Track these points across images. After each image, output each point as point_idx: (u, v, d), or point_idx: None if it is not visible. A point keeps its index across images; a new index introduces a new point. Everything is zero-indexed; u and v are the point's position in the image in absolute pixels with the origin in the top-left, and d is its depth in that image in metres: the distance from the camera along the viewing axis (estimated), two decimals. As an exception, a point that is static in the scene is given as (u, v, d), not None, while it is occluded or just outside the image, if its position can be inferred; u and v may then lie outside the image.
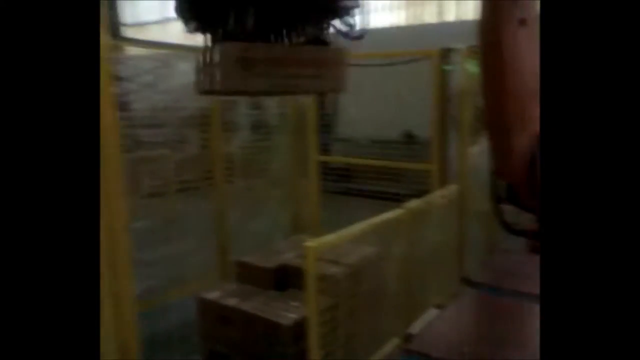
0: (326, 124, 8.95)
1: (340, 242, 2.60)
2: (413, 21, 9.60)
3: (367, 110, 8.70)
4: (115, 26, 9.80)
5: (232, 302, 3.25)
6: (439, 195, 3.56)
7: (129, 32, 10.60)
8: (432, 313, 1.89)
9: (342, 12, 1.92)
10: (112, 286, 1.75)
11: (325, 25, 1.94)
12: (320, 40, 1.90)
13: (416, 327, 1.77)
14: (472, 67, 3.87)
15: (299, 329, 2.91)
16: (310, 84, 1.84)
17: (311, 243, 2.45)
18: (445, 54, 4.22)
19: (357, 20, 1.90)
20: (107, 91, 1.67)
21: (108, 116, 1.67)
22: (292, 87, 1.80)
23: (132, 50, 4.17)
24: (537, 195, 1.89)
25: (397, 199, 3.64)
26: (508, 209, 2.16)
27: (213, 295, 3.33)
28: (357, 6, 1.93)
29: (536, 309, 1.94)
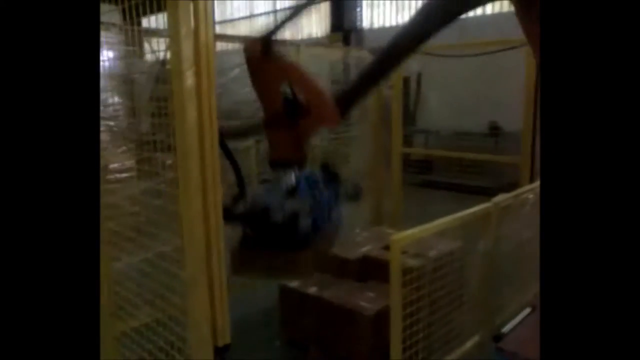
0: (409, 116, 8.84)
1: (425, 235, 2.57)
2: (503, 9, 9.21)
3: (450, 101, 8.48)
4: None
5: (312, 290, 3.32)
6: (529, 190, 3.41)
7: (218, 29, 11.01)
8: (525, 312, 1.83)
9: None
10: (207, 272, 1.84)
11: None
12: None
13: (508, 326, 1.72)
14: None
15: (379, 321, 2.91)
16: None
17: (397, 236, 2.44)
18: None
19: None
20: (209, 85, 1.75)
21: (206, 112, 1.75)
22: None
23: (220, 46, 4.31)
24: None
25: (481, 193, 3.54)
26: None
27: (294, 283, 3.41)
28: None
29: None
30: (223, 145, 2.56)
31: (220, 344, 1.94)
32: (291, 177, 2.55)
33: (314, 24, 11.63)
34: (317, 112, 2.55)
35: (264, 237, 2.65)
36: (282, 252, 2.60)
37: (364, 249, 3.59)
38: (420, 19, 2.58)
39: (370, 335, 3.00)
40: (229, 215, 2.66)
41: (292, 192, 2.66)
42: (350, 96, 2.68)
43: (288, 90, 2.64)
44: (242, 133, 3.18)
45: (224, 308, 1.92)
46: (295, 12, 2.74)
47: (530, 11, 2.05)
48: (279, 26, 2.80)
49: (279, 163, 2.58)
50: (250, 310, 3.88)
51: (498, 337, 1.62)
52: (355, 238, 3.93)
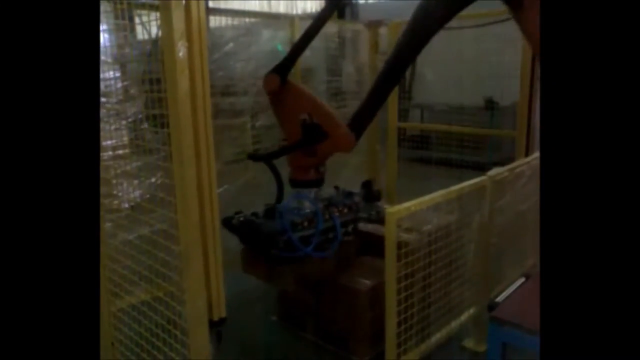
0: (405, 91, 8.79)
1: (420, 209, 2.57)
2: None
3: (446, 76, 8.41)
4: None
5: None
6: (524, 163, 3.41)
7: (211, 3, 10.84)
8: (519, 282, 1.84)
9: None
10: (203, 246, 1.84)
11: None
12: None
13: (502, 296, 1.73)
14: None
15: (375, 296, 2.94)
16: None
17: (392, 209, 2.44)
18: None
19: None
20: (201, 65, 1.73)
21: (199, 85, 1.73)
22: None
23: (214, 21, 4.24)
24: None
25: (478, 168, 3.54)
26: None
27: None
28: None
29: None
30: (271, 166, 3.00)
31: (216, 317, 1.96)
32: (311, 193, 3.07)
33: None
34: (333, 137, 2.85)
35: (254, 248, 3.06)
36: (271, 263, 2.97)
37: (359, 224, 3.59)
38: (417, 27, 2.67)
39: (366, 310, 3.03)
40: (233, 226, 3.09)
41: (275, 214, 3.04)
42: (362, 119, 2.91)
43: (307, 118, 2.94)
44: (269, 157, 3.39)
45: (219, 282, 1.94)
46: (305, 40, 2.98)
47: (520, 12, 2.08)
48: (292, 57, 3.04)
49: (299, 183, 3.08)
50: (247, 287, 3.90)
51: (492, 306, 1.64)
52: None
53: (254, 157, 3.26)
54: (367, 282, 3.07)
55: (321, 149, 2.92)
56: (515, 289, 1.79)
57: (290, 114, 3.00)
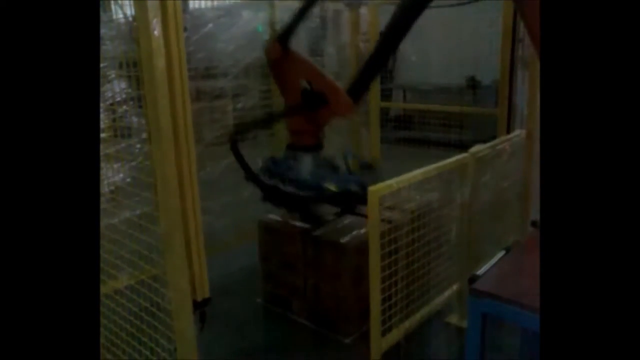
0: (387, 71, 8.77)
1: (402, 186, 2.59)
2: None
3: (428, 56, 8.41)
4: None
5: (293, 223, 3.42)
6: (505, 140, 3.44)
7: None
8: (499, 256, 1.87)
9: None
10: (184, 228, 1.84)
11: None
12: None
13: (482, 269, 1.76)
14: None
15: (361, 252, 2.90)
16: None
17: (374, 187, 2.45)
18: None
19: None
20: (178, 44, 1.70)
21: (176, 66, 1.71)
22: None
23: (193, 4, 4.18)
24: None
25: (461, 147, 3.56)
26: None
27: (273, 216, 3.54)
28: None
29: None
30: (235, 150, 3.00)
31: (200, 298, 1.96)
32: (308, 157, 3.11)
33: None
34: (332, 103, 2.88)
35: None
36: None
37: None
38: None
39: (352, 264, 3.06)
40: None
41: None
42: (360, 86, 2.96)
43: (307, 85, 2.98)
44: (259, 125, 3.67)
45: (202, 262, 1.94)
46: (306, 7, 3.03)
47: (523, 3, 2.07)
48: (292, 25, 3.08)
49: (298, 147, 3.13)
50: (232, 270, 3.91)
51: (472, 279, 1.66)
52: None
53: (237, 131, 3.30)
54: (352, 240, 3.11)
55: (321, 114, 3.00)
56: (495, 262, 1.81)
57: (291, 81, 3.09)
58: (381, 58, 3.00)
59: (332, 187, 3.04)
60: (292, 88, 3.08)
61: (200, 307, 1.96)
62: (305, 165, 3.12)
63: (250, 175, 3.11)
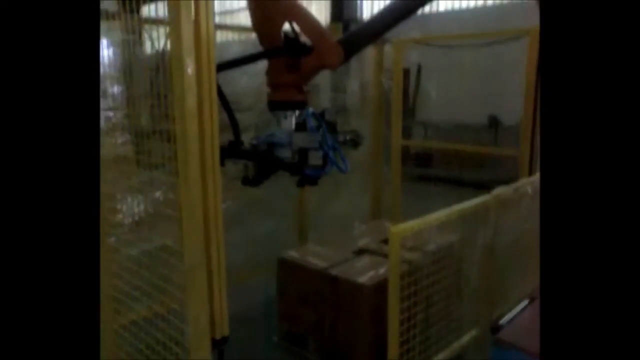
0: (408, 108, 8.82)
1: (424, 227, 2.56)
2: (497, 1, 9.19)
3: (450, 93, 8.46)
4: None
5: (312, 262, 3.35)
6: (528, 183, 3.40)
7: (217, 19, 11.01)
8: (523, 304, 1.83)
9: None
10: (207, 263, 1.83)
11: None
12: None
13: (506, 318, 1.72)
14: None
15: (379, 293, 2.86)
16: None
17: (395, 228, 2.43)
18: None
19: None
20: (209, 80, 1.74)
21: (206, 101, 1.74)
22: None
23: (220, 37, 4.28)
24: None
25: (481, 187, 3.53)
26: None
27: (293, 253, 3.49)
28: None
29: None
30: (221, 96, 2.52)
31: (219, 336, 1.94)
32: (292, 118, 2.61)
33: (314, 13, 11.60)
34: (319, 50, 2.50)
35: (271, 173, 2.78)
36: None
37: (362, 243, 3.59)
38: None
39: (369, 307, 2.99)
40: (234, 152, 2.61)
41: (300, 127, 2.59)
42: (356, 39, 2.63)
43: (289, 29, 2.57)
44: (237, 64, 2.98)
45: (223, 299, 1.92)
46: None
47: None
48: None
49: (279, 104, 2.65)
50: (249, 304, 3.87)
51: (496, 329, 1.62)
52: (354, 231, 3.93)
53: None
54: (371, 280, 3.05)
55: (305, 63, 2.59)
56: (519, 311, 1.77)
57: (272, 23, 2.64)
58: (388, 19, 2.69)
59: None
60: (273, 32, 2.64)
61: (218, 346, 1.93)
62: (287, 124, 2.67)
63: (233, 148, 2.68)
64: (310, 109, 2.74)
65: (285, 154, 2.57)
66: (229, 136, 2.78)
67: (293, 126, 2.61)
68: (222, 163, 2.12)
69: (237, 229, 3.84)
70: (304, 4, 2.72)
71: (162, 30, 2.54)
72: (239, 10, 11.96)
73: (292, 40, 2.53)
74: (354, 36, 2.65)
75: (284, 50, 2.53)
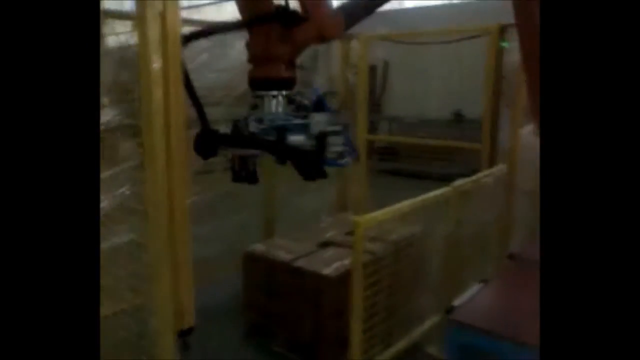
0: (374, 103, 8.93)
1: (386, 218, 2.65)
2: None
3: (416, 89, 8.60)
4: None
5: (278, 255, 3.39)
6: (487, 175, 3.54)
7: (184, 14, 10.82)
8: (476, 287, 1.93)
9: None
10: (172, 257, 1.86)
11: None
12: None
13: (459, 300, 1.82)
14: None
15: (343, 284, 2.92)
16: None
17: (359, 218, 2.51)
18: (501, 31, 4.11)
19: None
20: (176, 75, 1.76)
21: (173, 97, 1.76)
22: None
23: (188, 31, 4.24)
24: None
25: (446, 180, 3.64)
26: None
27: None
28: None
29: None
30: (188, 84, 2.01)
31: (185, 326, 1.96)
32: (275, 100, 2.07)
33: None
34: (315, 18, 2.09)
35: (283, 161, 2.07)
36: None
37: (328, 235, 3.66)
38: None
39: (334, 301, 3.04)
40: (233, 140, 2.08)
41: (319, 107, 2.12)
42: (356, 9, 2.17)
43: None
44: (216, 31, 2.64)
45: (189, 291, 1.95)
46: None
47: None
48: None
49: (264, 82, 2.08)
50: (216, 299, 3.88)
51: (449, 310, 1.71)
52: (320, 224, 4.00)
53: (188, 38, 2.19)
54: (335, 271, 3.09)
55: (300, 32, 2.14)
56: (473, 293, 1.87)
57: None
58: None
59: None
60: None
61: (183, 336, 1.96)
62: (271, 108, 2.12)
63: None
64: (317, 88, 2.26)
65: (297, 140, 2.07)
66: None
67: (279, 109, 2.11)
68: (214, 153, 1.92)
69: (206, 223, 3.85)
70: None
71: (124, 25, 2.54)
72: (205, 5, 11.83)
73: (283, 8, 2.07)
74: (354, 5, 2.30)
75: (275, 17, 2.07)
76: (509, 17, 2.89)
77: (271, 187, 4.46)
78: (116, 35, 3.47)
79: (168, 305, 1.85)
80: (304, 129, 2.03)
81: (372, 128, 7.70)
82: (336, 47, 5.26)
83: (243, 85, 4.13)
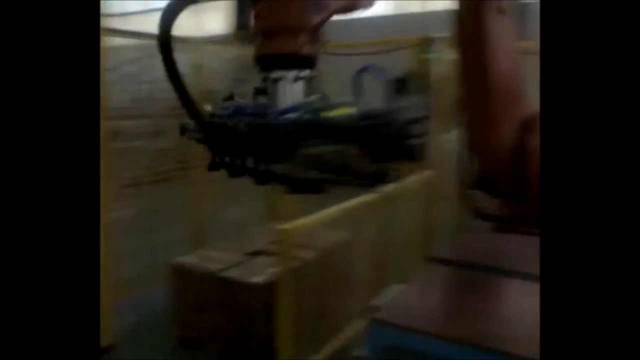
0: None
1: (313, 225, 2.71)
2: (399, 11, 9.61)
3: (344, 97, 8.75)
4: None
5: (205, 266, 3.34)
6: (411, 180, 3.68)
7: (112, 22, 10.52)
8: (396, 288, 2.02)
9: None
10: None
11: None
12: None
13: (380, 300, 1.90)
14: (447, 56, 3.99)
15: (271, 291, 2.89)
16: None
17: (285, 226, 2.56)
18: (427, 43, 4.29)
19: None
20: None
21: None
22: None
23: (115, 41, 4.13)
24: (522, 183, 1.91)
25: (373, 185, 3.75)
26: (477, 194, 2.29)
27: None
28: None
29: (499, 281, 2.07)
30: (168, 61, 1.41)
31: (103, 344, 1.91)
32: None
33: (217, 21, 11.42)
34: None
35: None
36: None
37: (257, 245, 3.65)
38: None
39: (263, 309, 3.04)
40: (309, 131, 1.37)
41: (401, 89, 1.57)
42: None
43: None
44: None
45: (107, 307, 1.91)
46: None
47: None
48: None
49: (280, 60, 1.52)
50: (144, 315, 3.77)
51: (372, 310, 1.78)
52: (250, 234, 4.00)
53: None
54: (263, 278, 3.10)
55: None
56: (395, 293, 1.95)
57: None
58: None
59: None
60: None
61: (101, 354, 1.89)
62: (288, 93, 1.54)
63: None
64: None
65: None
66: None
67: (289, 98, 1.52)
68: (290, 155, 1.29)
69: (134, 238, 3.76)
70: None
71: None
72: (133, 13, 11.55)
73: None
74: None
75: None
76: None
77: (199, 198, 4.42)
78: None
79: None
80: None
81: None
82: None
83: (170, 98, 4.11)
